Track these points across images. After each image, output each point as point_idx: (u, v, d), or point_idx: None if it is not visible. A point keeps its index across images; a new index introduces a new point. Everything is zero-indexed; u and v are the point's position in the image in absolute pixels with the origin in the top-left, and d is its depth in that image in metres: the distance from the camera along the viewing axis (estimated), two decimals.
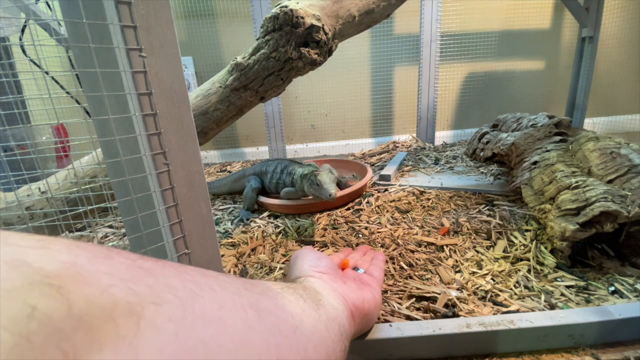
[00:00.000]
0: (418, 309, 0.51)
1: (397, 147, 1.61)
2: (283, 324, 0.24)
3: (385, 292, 0.55)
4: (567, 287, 0.54)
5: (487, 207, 0.84)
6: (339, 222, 0.83)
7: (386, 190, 1.01)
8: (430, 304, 0.50)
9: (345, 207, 0.91)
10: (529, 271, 0.58)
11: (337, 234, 0.77)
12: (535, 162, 0.77)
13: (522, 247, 0.65)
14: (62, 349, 0.13)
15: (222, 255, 0.70)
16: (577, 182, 0.62)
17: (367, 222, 0.81)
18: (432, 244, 0.69)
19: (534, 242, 0.65)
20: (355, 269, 0.47)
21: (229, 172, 1.48)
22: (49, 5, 0.78)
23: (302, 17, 0.63)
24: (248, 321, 0.22)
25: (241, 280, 0.26)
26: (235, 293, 0.23)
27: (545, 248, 0.64)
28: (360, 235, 0.75)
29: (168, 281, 0.20)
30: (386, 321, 0.47)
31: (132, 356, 0.15)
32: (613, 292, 0.52)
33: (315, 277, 0.39)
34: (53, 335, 0.13)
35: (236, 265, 0.68)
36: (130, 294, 0.17)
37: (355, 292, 0.39)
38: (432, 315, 0.49)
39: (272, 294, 0.27)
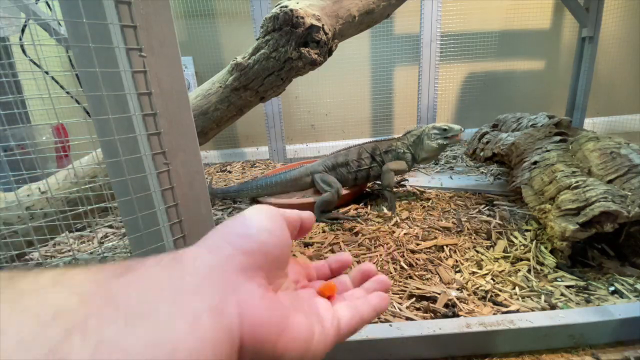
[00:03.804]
0: (418, 309, 0.51)
1: None
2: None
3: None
4: (567, 287, 0.54)
5: (487, 207, 0.84)
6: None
7: None
8: (430, 304, 0.50)
9: (346, 207, 0.91)
10: (529, 271, 0.58)
11: (337, 236, 0.77)
12: (535, 162, 0.77)
13: (522, 247, 0.65)
14: None
15: None
16: (577, 182, 0.62)
17: (367, 223, 0.81)
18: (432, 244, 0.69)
19: (534, 242, 0.65)
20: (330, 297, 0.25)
21: (229, 172, 1.48)
22: (49, 5, 0.77)
23: (302, 17, 0.63)
24: None
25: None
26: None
27: (545, 248, 0.64)
28: (361, 235, 0.75)
29: None
30: (386, 321, 0.47)
31: None
32: (613, 292, 0.52)
33: (217, 257, 0.18)
34: None
35: None
36: None
37: (279, 308, 0.19)
38: (432, 315, 0.49)
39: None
